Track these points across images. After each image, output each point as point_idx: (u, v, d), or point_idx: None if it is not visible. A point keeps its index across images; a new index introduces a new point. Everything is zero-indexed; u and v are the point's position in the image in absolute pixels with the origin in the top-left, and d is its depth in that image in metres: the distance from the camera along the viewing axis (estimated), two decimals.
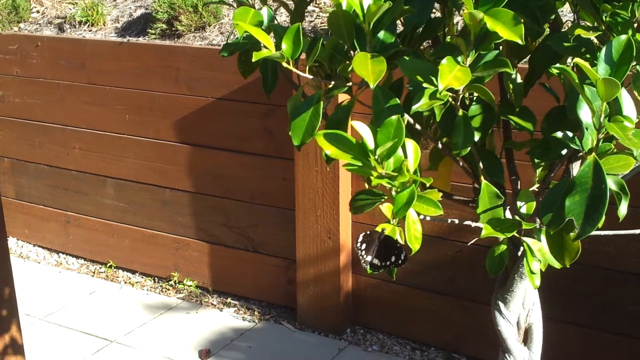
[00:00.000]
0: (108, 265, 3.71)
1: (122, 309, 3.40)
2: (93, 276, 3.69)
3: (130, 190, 3.57)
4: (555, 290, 2.71)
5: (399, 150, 1.01)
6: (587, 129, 0.97)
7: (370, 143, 1.01)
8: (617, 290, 2.62)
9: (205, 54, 3.23)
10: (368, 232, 1.10)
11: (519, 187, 1.20)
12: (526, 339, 1.30)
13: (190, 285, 3.50)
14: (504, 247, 1.11)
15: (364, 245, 1.10)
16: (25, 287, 3.60)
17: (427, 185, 0.99)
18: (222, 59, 3.16)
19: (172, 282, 3.54)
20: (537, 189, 1.20)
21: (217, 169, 3.31)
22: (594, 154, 0.94)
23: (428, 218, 1.08)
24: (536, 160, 1.23)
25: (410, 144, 1.01)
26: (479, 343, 2.89)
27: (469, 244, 1.08)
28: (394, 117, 1.00)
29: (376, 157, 1.00)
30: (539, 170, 1.23)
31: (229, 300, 3.41)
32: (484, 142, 1.23)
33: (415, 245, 1.02)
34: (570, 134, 0.99)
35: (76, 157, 3.68)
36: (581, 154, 1.07)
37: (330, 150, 1.01)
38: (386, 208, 1.01)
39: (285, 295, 3.28)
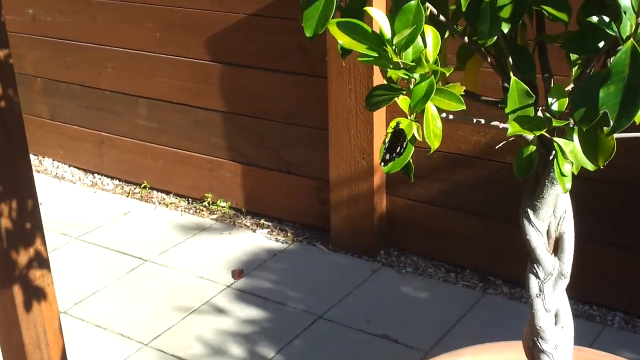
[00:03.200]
0: (142, 185, 3.70)
1: (156, 229, 3.39)
2: (128, 197, 3.69)
3: (163, 111, 3.53)
4: (592, 212, 2.63)
5: (419, 40, 0.93)
6: (625, 13, 0.87)
7: (387, 31, 0.93)
8: None
9: None
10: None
11: (552, 85, 1.11)
12: (556, 249, 1.23)
13: (224, 207, 3.47)
14: (533, 147, 1.03)
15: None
16: (61, 207, 3.62)
17: (448, 74, 0.92)
18: None
19: (205, 203, 3.52)
20: (571, 89, 1.11)
21: (249, 88, 3.25)
22: (632, 39, 0.85)
23: (451, 117, 1.01)
24: (572, 58, 1.13)
25: (430, 32, 0.93)
26: (514, 265, 2.82)
27: (497, 147, 1.00)
28: (413, 1, 0.91)
29: (393, 46, 0.92)
30: (574, 69, 1.13)
31: (262, 221, 3.38)
32: (514, 36, 1.14)
33: (434, 143, 0.94)
34: (606, 18, 0.90)
35: (109, 77, 3.64)
36: (620, 46, 0.97)
37: (343, 40, 0.94)
38: (403, 101, 0.94)
39: (319, 217, 3.24)
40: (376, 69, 2.75)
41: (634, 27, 0.87)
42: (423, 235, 3.03)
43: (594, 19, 0.89)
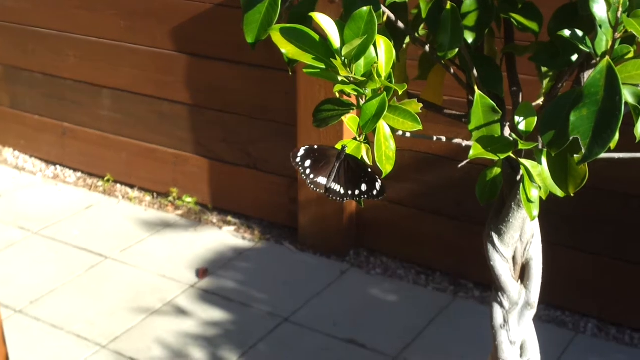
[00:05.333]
0: (106, 179, 3.58)
1: (118, 225, 3.28)
2: (90, 190, 3.57)
3: (126, 102, 3.40)
4: (564, 217, 2.55)
5: (372, 51, 0.83)
6: (601, 26, 0.78)
7: (335, 40, 0.83)
8: (633, 217, 2.45)
9: None
10: (315, 147, 0.91)
11: (520, 99, 1.02)
12: (522, 276, 1.14)
13: (190, 202, 3.36)
14: (497, 170, 0.94)
15: (307, 162, 0.91)
16: (20, 200, 3.49)
17: (401, 92, 0.81)
18: None
19: (170, 198, 3.41)
20: (542, 103, 1.02)
21: (216, 80, 3.13)
22: (607, 57, 0.75)
23: (408, 134, 0.91)
24: (543, 69, 1.04)
25: (383, 44, 0.82)
26: (486, 269, 2.74)
27: (459, 165, 0.92)
28: (365, 8, 0.81)
29: (342, 58, 0.82)
30: (545, 81, 1.04)
31: (229, 218, 3.27)
32: (480, 46, 1.04)
33: (386, 167, 0.84)
34: (580, 32, 0.80)
35: (71, 66, 3.50)
36: (595, 60, 0.88)
37: (287, 48, 0.83)
38: (351, 120, 0.83)
39: (287, 215, 3.14)
40: None
41: (610, 42, 0.77)
42: (393, 236, 2.94)
43: (566, 32, 0.79)
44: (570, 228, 2.57)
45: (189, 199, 3.36)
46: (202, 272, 2.92)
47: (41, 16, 3.51)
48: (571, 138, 0.77)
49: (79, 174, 3.68)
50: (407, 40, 1.04)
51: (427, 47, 0.97)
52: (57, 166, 3.74)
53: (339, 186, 0.88)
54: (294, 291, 2.82)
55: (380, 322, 2.65)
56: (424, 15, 0.91)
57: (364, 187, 0.87)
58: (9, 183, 3.63)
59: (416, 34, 1.03)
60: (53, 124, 3.67)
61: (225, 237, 3.17)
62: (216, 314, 2.70)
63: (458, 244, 2.80)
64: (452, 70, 1.01)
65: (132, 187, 3.53)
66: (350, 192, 0.88)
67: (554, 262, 2.61)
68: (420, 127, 0.83)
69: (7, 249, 3.11)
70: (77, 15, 3.40)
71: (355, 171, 0.87)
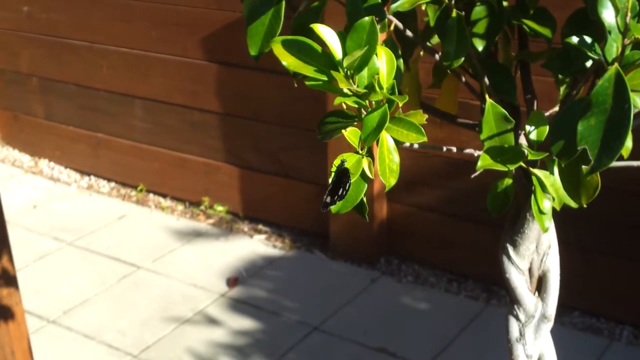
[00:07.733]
0: (139, 189, 3.60)
1: (151, 235, 3.29)
2: (123, 200, 3.59)
3: (158, 111, 3.42)
4: (599, 222, 2.50)
5: (375, 62, 0.81)
6: (610, 32, 0.75)
7: (338, 52, 0.81)
8: None
9: None
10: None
11: (535, 107, 0.99)
12: (539, 289, 1.11)
13: (221, 211, 3.36)
14: (509, 181, 0.91)
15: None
16: (55, 211, 3.52)
17: (401, 104, 0.79)
18: None
19: (202, 207, 3.41)
20: (555, 114, 0.99)
21: (246, 89, 3.13)
22: (616, 65, 0.72)
23: (416, 146, 0.89)
24: (560, 76, 1.01)
25: (384, 54, 0.80)
26: None
27: (472, 176, 0.89)
28: (367, 18, 0.79)
29: (345, 69, 0.80)
30: (562, 88, 1.01)
31: (259, 226, 3.27)
32: (494, 52, 1.01)
33: (390, 180, 0.82)
34: (588, 39, 0.77)
35: (104, 76, 3.53)
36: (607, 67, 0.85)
37: (288, 60, 0.82)
38: (351, 133, 0.81)
39: (318, 223, 3.12)
40: None
41: (620, 49, 0.74)
42: (425, 243, 2.91)
43: (574, 39, 0.77)
44: (605, 234, 2.51)
45: (220, 208, 3.37)
46: (232, 281, 2.92)
47: (74, 28, 3.55)
48: (579, 148, 0.75)
49: (112, 184, 3.70)
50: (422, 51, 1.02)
51: (437, 56, 0.95)
52: (91, 176, 3.77)
53: (330, 197, 0.86)
54: (325, 299, 2.80)
55: (411, 330, 2.63)
56: (432, 23, 0.89)
57: (341, 190, 0.85)
58: (44, 194, 3.67)
59: (429, 43, 1.01)
60: (87, 134, 3.70)
61: (256, 245, 3.16)
62: (246, 323, 2.70)
63: (490, 250, 2.74)
64: (463, 79, 0.98)
65: (164, 196, 3.55)
66: (329, 199, 0.86)
67: (589, 268, 2.56)
68: (425, 139, 0.81)
69: (42, 260, 3.14)
70: (109, 26, 3.43)
71: (340, 177, 0.84)
